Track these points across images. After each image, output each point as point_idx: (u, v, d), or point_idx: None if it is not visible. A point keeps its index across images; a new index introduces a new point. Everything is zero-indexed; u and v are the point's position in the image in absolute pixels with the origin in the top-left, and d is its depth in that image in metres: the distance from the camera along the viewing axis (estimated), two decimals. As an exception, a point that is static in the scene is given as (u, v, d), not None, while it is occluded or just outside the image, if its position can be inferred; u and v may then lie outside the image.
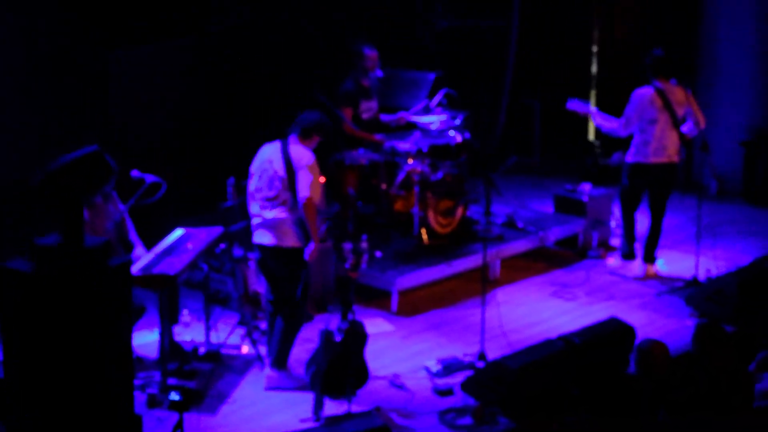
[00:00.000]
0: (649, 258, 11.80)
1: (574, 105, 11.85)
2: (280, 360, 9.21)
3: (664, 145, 11.46)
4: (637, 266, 11.81)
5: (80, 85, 11.78)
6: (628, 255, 11.90)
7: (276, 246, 9.12)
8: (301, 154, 9.11)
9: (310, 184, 8.98)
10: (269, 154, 9.22)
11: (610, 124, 11.67)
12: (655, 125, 11.41)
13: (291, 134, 9.22)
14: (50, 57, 11.48)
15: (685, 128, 11.45)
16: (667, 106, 11.37)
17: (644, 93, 11.47)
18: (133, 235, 9.47)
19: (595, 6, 15.99)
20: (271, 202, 9.13)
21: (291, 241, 9.09)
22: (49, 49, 11.43)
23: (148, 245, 9.44)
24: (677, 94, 11.44)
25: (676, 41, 11.99)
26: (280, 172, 9.07)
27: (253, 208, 9.24)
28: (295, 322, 9.19)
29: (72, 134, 11.19)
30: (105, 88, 12.02)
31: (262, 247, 9.21)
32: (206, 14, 12.22)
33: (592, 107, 12.13)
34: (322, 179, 10.03)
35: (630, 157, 11.61)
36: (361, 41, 11.80)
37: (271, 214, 9.11)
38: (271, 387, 9.17)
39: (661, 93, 11.41)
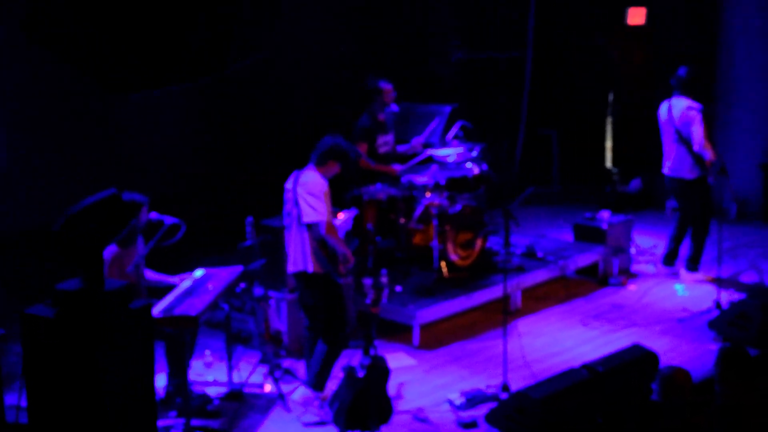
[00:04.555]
0: (667, 261, 12.41)
1: None
2: (319, 382, 9.31)
3: (668, 157, 11.99)
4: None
5: (98, 130, 11.86)
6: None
7: (300, 272, 9.30)
8: (310, 180, 9.21)
9: (316, 209, 9.08)
10: (289, 183, 9.40)
11: None
12: (663, 137, 11.99)
13: (309, 162, 9.36)
14: (68, 104, 11.57)
15: (694, 147, 11.71)
16: (671, 121, 11.77)
17: (659, 107, 12.02)
18: (153, 276, 9.54)
19: (611, 34, 16.03)
20: (289, 230, 9.35)
21: (312, 267, 9.21)
22: (67, 96, 11.51)
23: (169, 286, 9.48)
24: (682, 111, 11.74)
25: (693, 65, 12.04)
26: (292, 200, 9.26)
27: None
28: (336, 347, 9.28)
29: (92, 178, 11.25)
30: (122, 132, 12.09)
31: (295, 276, 9.44)
32: (220, 56, 12.29)
33: None
34: (349, 213, 10.07)
35: None
36: (376, 76, 11.86)
37: (291, 242, 9.34)
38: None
39: (669, 108, 11.85)
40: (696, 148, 11.65)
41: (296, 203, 9.24)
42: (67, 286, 6.96)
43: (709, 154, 11.62)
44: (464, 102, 14.44)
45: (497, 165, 12.71)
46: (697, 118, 11.66)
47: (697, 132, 11.64)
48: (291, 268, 9.45)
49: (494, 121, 15.41)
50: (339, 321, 9.30)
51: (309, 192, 9.13)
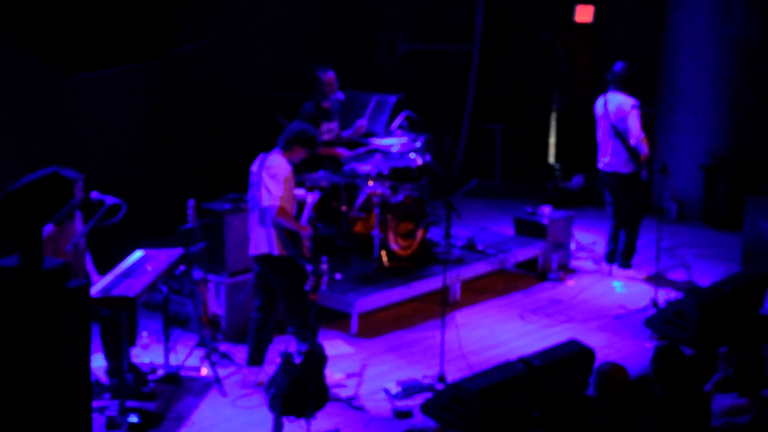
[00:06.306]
0: (609, 259, 12.52)
1: None
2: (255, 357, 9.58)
3: (603, 151, 12.11)
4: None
5: (39, 109, 11.71)
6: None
7: (266, 254, 9.34)
8: (275, 163, 9.30)
9: (271, 193, 9.15)
10: (255, 165, 9.44)
11: None
12: (598, 132, 12.11)
13: (276, 146, 9.43)
14: (8, 82, 11.41)
15: (631, 142, 11.75)
16: (607, 115, 11.91)
17: (595, 102, 12.16)
18: (89, 265, 9.46)
19: (559, 31, 16.08)
20: (253, 213, 9.40)
21: (278, 250, 9.26)
22: (7, 73, 11.36)
23: (108, 267, 9.41)
24: (617, 106, 11.88)
25: (637, 66, 12.12)
26: (257, 183, 9.31)
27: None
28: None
29: (33, 158, 11.13)
30: (65, 112, 11.96)
31: (256, 259, 9.45)
32: (167, 38, 12.18)
33: None
34: (311, 198, 10.02)
35: None
36: (316, 65, 11.85)
37: (254, 225, 9.39)
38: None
39: (605, 102, 11.99)
40: (633, 142, 11.76)
41: (260, 186, 9.24)
42: (4, 263, 6.89)
43: (645, 149, 11.74)
44: (410, 93, 14.42)
45: (441, 156, 12.73)
46: (633, 112, 11.77)
47: (634, 126, 11.75)
48: (253, 250, 9.45)
49: (439, 112, 15.42)
50: (307, 302, 9.27)
51: (270, 175, 9.21)
